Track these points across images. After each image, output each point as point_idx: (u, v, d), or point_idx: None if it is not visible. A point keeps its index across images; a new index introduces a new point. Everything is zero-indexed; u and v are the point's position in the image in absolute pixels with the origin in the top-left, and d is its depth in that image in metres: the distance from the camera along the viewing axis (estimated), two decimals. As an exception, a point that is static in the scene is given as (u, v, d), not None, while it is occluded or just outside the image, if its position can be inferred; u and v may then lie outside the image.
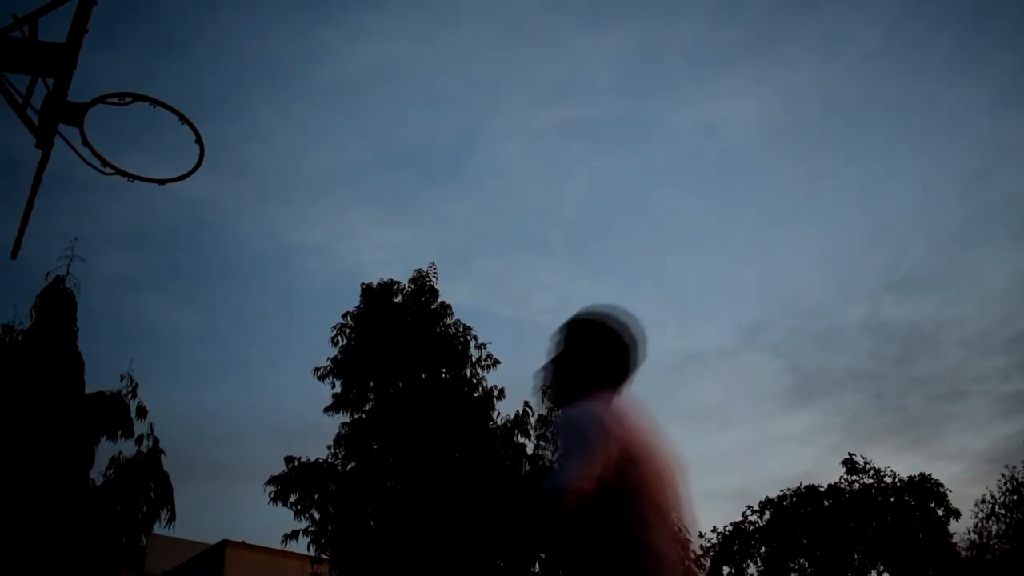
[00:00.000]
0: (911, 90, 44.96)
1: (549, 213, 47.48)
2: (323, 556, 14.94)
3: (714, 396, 42.82)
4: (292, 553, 17.06)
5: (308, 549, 15.02)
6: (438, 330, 16.34)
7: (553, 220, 47.71)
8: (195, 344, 47.62)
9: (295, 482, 15.09)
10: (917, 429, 39.32)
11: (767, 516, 23.56)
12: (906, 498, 22.71)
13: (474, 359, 16.23)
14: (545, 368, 2.58)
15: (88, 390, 14.33)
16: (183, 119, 5.55)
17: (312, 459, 15.44)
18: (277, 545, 15.57)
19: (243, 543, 24.37)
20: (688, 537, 2.62)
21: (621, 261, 48.03)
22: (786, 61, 46.42)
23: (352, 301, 16.85)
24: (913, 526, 22.17)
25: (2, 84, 5.14)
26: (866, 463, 23.47)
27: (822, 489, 23.35)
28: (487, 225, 47.00)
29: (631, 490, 2.23)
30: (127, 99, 5.46)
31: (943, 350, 40.96)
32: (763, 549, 23.32)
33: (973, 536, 22.63)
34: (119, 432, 14.31)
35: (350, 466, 15.38)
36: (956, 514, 22.53)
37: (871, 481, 23.15)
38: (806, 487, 23.49)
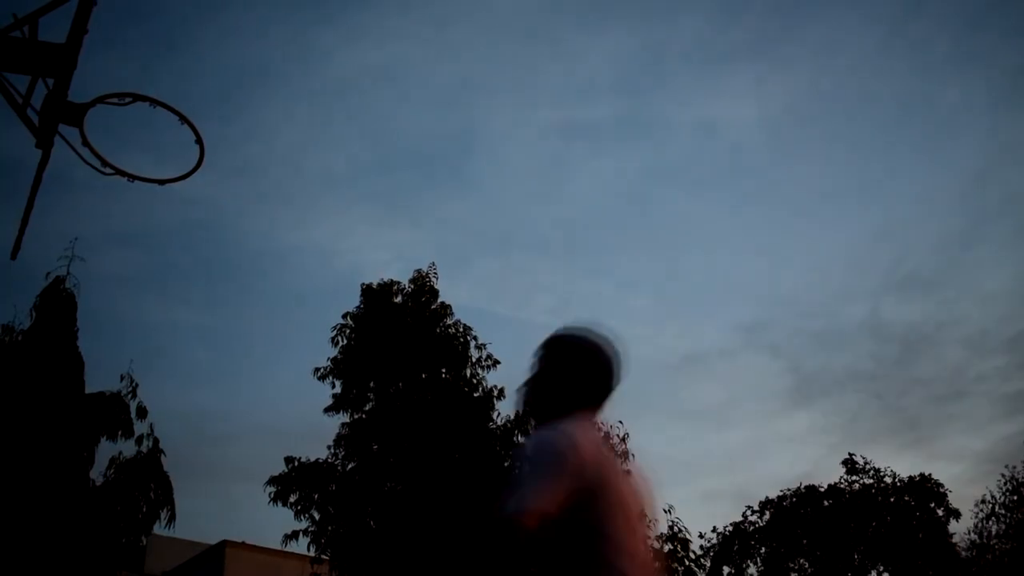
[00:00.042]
0: (911, 90, 45.01)
1: (549, 213, 47.52)
2: (323, 556, 14.93)
3: (714, 396, 42.89)
4: (292, 553, 17.04)
5: (308, 549, 15.01)
6: (438, 330, 16.33)
7: (553, 220, 47.75)
8: (195, 344, 47.65)
9: (295, 482, 15.08)
10: (917, 429, 39.35)
11: (767, 516, 23.56)
12: (906, 498, 22.71)
13: (474, 359, 16.22)
14: (523, 386, 2.52)
15: (88, 390, 14.32)
16: (183, 119, 5.55)
17: (312, 459, 15.43)
18: (277, 545, 15.56)
19: (243, 543, 24.35)
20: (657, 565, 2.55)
21: (621, 261, 48.09)
22: (786, 61, 46.47)
23: (352, 301, 16.85)
24: (913, 526, 22.17)
25: (2, 84, 5.15)
26: (866, 463, 23.49)
27: (822, 489, 23.35)
28: (487, 225, 47.03)
29: (602, 515, 2.17)
30: (127, 99, 5.46)
31: (943, 350, 41.01)
32: (763, 549, 23.32)
33: (973, 536, 22.66)
34: (119, 432, 14.31)
35: (350, 466, 15.37)
36: (956, 514, 22.56)
37: (871, 481, 23.16)
38: (806, 487, 23.50)
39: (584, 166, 47.53)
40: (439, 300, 16.74)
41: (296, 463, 15.29)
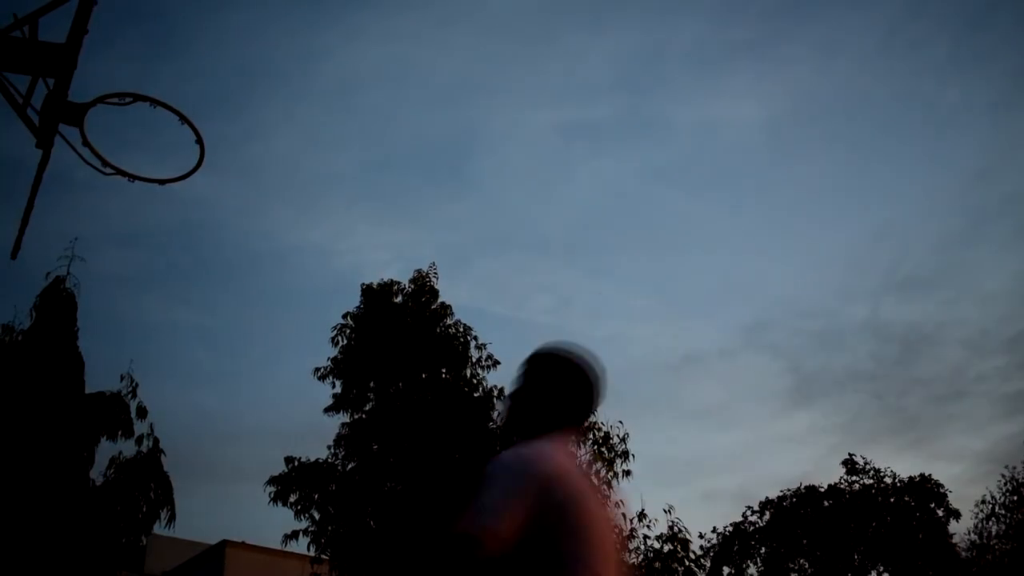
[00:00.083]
0: (911, 90, 45.01)
1: (549, 213, 47.51)
2: (323, 556, 14.93)
3: (714, 396, 42.82)
4: (292, 553, 17.04)
5: (308, 549, 15.01)
6: (438, 330, 16.33)
7: (553, 220, 47.74)
8: (195, 344, 47.65)
9: (295, 482, 15.08)
10: (917, 429, 39.35)
11: (767, 516, 23.56)
12: (906, 498, 22.70)
13: (474, 359, 16.22)
14: (506, 399, 2.52)
15: (88, 390, 14.33)
16: (183, 119, 5.55)
17: (312, 459, 15.43)
18: (277, 545, 15.56)
19: (243, 543, 24.36)
20: None
21: (621, 261, 48.06)
22: (786, 61, 46.46)
23: (352, 301, 16.85)
24: (913, 526, 22.17)
25: (2, 84, 5.14)
26: (866, 463, 23.49)
27: (822, 489, 23.35)
28: (487, 225, 47.03)
29: (570, 538, 2.09)
30: (127, 99, 5.46)
31: (943, 350, 40.99)
32: (763, 549, 23.31)
33: (973, 536, 22.66)
34: (119, 432, 14.31)
35: (350, 466, 15.37)
36: (956, 514, 22.55)
37: (871, 481, 23.15)
38: (806, 487, 23.50)
39: (584, 166, 47.56)
40: (439, 300, 16.74)
41: (296, 463, 15.29)
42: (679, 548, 15.00)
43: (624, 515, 14.69)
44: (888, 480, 23.09)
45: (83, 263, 15.09)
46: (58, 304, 14.41)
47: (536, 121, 45.86)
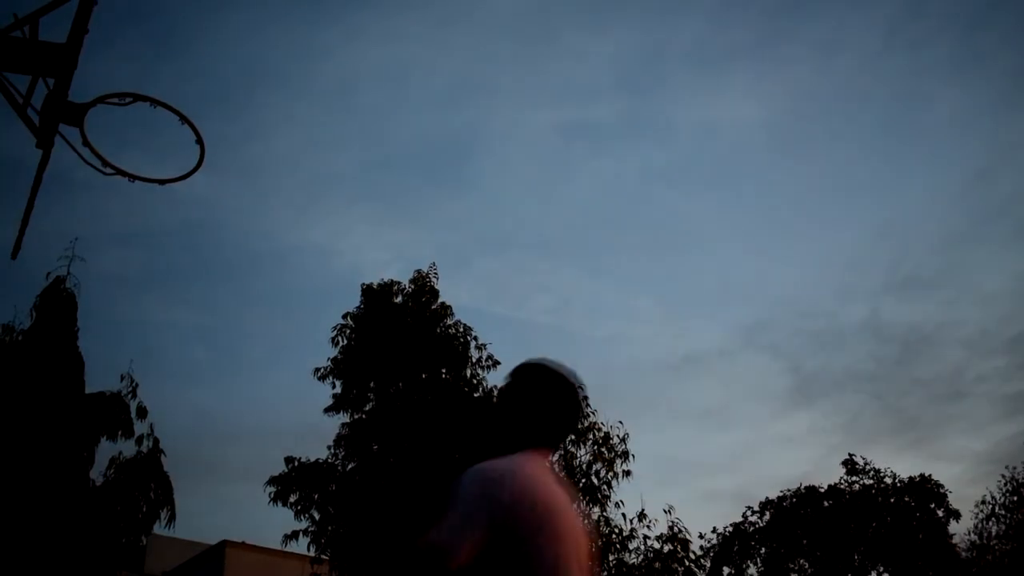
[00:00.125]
0: (912, 90, 45.01)
1: (549, 213, 47.52)
2: (323, 556, 14.93)
3: (714, 396, 42.83)
4: (292, 553, 17.05)
5: (308, 549, 15.01)
6: (438, 330, 16.32)
7: (553, 220, 47.76)
8: (195, 344, 47.68)
9: (295, 482, 15.08)
10: (917, 430, 39.36)
11: (767, 517, 23.57)
12: (906, 499, 22.71)
13: (474, 360, 16.21)
14: (489, 412, 2.50)
15: (88, 390, 14.33)
16: (183, 119, 5.55)
17: (312, 459, 15.43)
18: (277, 545, 15.57)
19: (243, 543, 24.36)
20: None
21: (621, 261, 48.08)
22: (787, 61, 46.47)
23: (352, 301, 16.85)
24: (913, 527, 22.17)
25: (2, 84, 5.14)
26: (866, 464, 23.50)
27: (822, 490, 23.36)
28: (487, 225, 47.05)
29: (540, 554, 2.09)
30: (127, 99, 5.46)
31: (943, 350, 41.01)
32: (763, 550, 23.32)
33: (973, 537, 22.66)
34: (119, 432, 14.31)
35: (350, 466, 15.37)
36: (956, 515, 22.57)
37: (871, 482, 23.16)
38: (806, 488, 23.51)
39: (584, 166, 47.58)
40: (439, 300, 16.73)
41: (296, 463, 15.29)
42: (679, 548, 14.98)
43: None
44: (888, 480, 23.11)
45: (83, 263, 15.13)
46: (58, 304, 14.41)
47: (536, 121, 45.91)
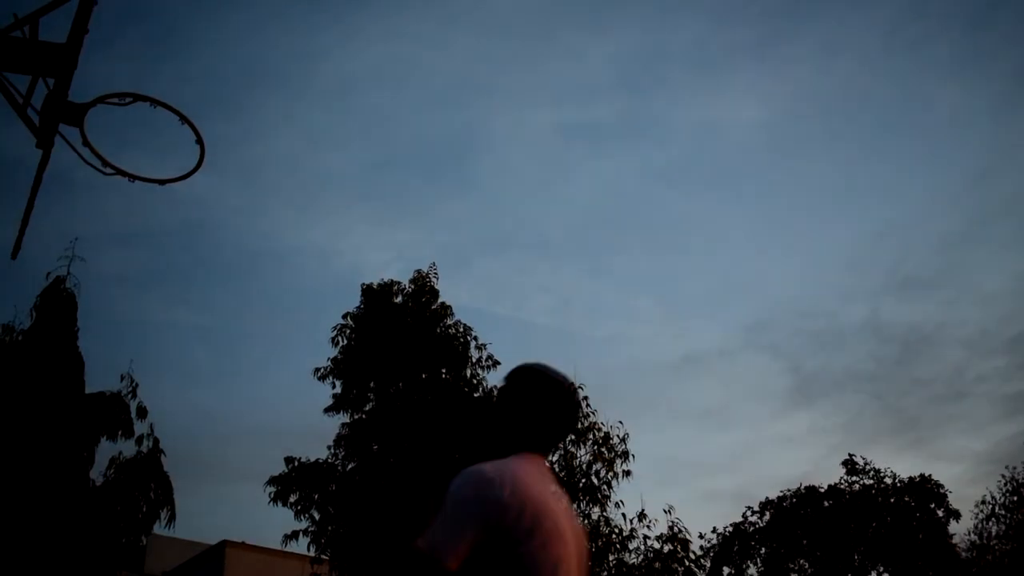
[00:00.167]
0: (912, 90, 45.02)
1: (549, 213, 47.54)
2: (323, 556, 14.93)
3: (714, 396, 42.85)
4: (292, 553, 17.05)
5: (308, 549, 15.01)
6: (438, 331, 16.32)
7: (553, 220, 47.77)
8: (195, 344, 47.69)
9: (295, 482, 15.08)
10: (917, 430, 39.35)
11: (767, 517, 23.56)
12: (906, 499, 22.70)
13: (474, 360, 16.21)
14: (485, 415, 2.51)
15: (88, 390, 14.33)
16: (183, 119, 5.55)
17: (312, 459, 15.43)
18: (277, 545, 15.57)
19: (243, 543, 24.37)
20: None
21: (621, 261, 48.07)
22: (787, 61, 46.47)
23: (352, 301, 16.85)
24: (913, 527, 22.16)
25: (2, 84, 5.14)
26: (866, 464, 23.49)
27: (822, 490, 23.35)
28: (487, 225, 47.07)
29: (533, 557, 2.09)
30: (127, 99, 5.46)
31: (943, 350, 41.02)
32: (763, 550, 23.31)
33: (973, 537, 22.66)
34: (119, 432, 14.32)
35: (350, 466, 15.37)
36: (956, 515, 22.56)
37: (871, 482, 23.15)
38: (806, 488, 23.50)
39: (584, 166, 47.59)
40: (439, 300, 16.73)
41: (296, 463, 15.29)
42: (679, 548, 14.98)
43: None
44: (888, 480, 23.10)
45: (83, 263, 15.13)
46: (58, 304, 14.41)
47: (536, 121, 45.91)
